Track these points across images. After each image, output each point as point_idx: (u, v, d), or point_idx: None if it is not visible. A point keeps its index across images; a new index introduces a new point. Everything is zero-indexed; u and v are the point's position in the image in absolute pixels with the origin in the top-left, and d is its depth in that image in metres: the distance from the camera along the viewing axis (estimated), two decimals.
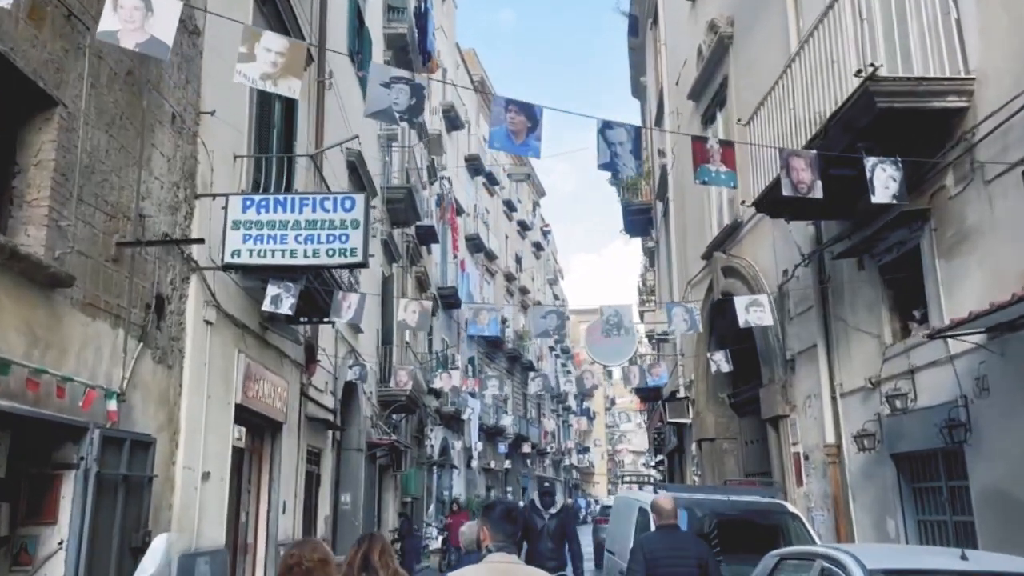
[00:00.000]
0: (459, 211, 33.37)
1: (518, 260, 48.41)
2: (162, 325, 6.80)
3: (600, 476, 79.03)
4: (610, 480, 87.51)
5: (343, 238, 7.32)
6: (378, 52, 17.53)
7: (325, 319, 10.43)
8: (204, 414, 7.49)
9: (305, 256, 7.34)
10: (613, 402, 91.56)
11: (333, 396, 13.23)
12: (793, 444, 9.64)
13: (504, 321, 41.36)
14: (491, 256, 40.59)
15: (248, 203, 7.40)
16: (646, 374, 11.39)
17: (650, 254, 36.34)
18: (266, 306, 7.35)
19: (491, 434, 36.50)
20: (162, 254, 6.84)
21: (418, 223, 23.94)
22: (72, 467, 5.28)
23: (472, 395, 32.16)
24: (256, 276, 7.94)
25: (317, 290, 8.79)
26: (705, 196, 13.21)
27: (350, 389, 15.19)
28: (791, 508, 7.59)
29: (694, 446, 14.27)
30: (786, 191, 6.08)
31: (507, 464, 38.80)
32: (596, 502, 59.60)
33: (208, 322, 7.65)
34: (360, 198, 7.48)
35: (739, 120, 10.06)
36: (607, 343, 15.54)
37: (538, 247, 54.23)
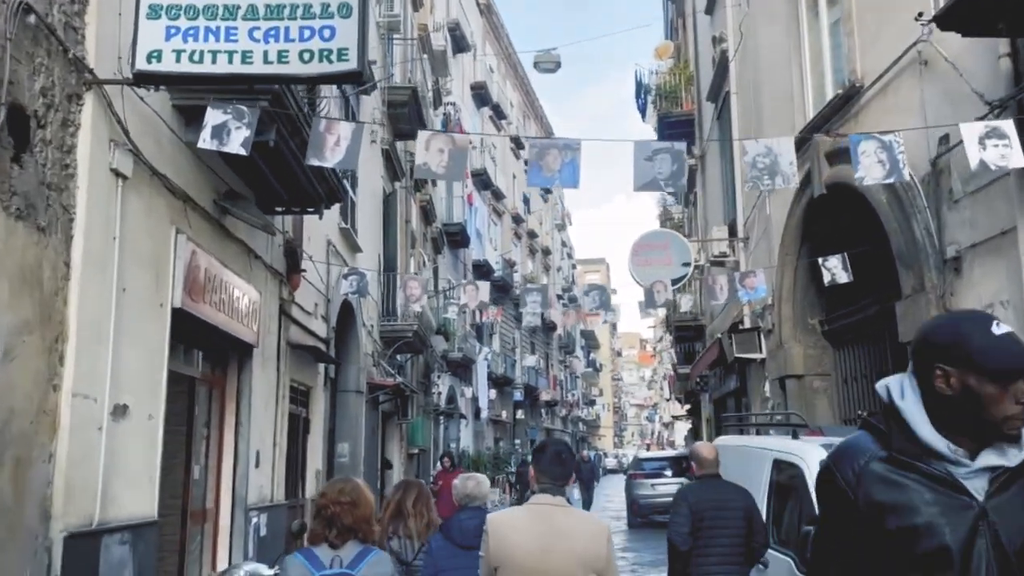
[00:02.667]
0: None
1: (526, 201, 45.55)
2: (24, 160, 4.06)
3: (606, 429, 77.28)
4: (616, 433, 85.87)
5: (326, 32, 4.54)
6: None
7: (309, 209, 7.70)
8: (114, 315, 4.80)
9: (267, 61, 4.56)
10: (619, 354, 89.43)
11: (325, 323, 10.57)
12: None
13: (512, 265, 38.76)
14: (499, 195, 37.72)
15: None
16: (736, 285, 8.67)
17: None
18: (204, 141, 4.59)
19: (499, 384, 34.05)
20: (25, 40, 4.07)
21: None
22: None
23: (479, 333, 29.59)
24: (191, 95, 5.18)
25: (292, 150, 6.03)
26: (796, 69, 10.36)
27: (347, 317, 12.52)
28: None
29: (767, 386, 11.67)
30: None
31: (519, 414, 36.43)
32: (605, 455, 57.73)
33: (119, 174, 4.91)
34: None
35: None
36: (653, 261, 12.87)
37: (546, 189, 51.31)
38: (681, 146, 5.34)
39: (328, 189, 7.51)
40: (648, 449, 40.66)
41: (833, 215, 9.67)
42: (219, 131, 4.56)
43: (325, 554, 2.91)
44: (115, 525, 4.73)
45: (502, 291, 37.56)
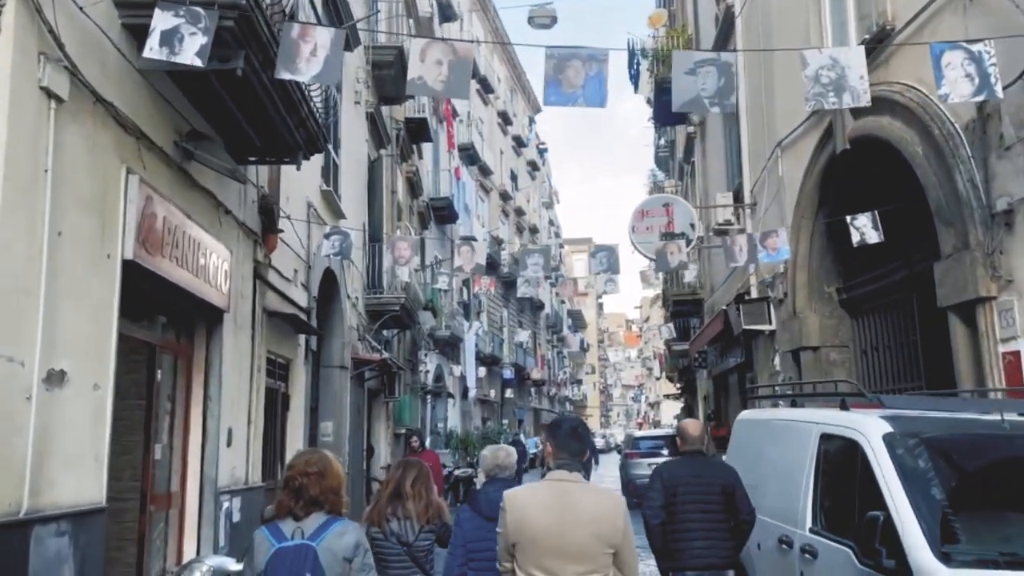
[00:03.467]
0: (453, 114, 29.55)
1: (513, 178, 44.74)
2: None
3: (593, 409, 76.84)
4: (602, 413, 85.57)
5: None
6: None
7: (286, 159, 6.89)
8: (46, 262, 4.00)
9: None
10: (606, 334, 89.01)
11: (306, 291, 9.77)
12: (1005, 340, 6.32)
13: (500, 243, 37.96)
14: (486, 171, 36.85)
15: None
16: (757, 249, 7.93)
17: (664, 164, 32.75)
18: (152, 50, 3.77)
19: (487, 363, 33.33)
20: None
21: (408, 117, 20.23)
22: None
23: (467, 311, 28.88)
24: (141, 12, 4.37)
25: (264, 85, 5.22)
26: (814, 18, 9.58)
27: (330, 288, 11.73)
28: None
29: (777, 359, 11.01)
30: None
31: (509, 393, 35.80)
32: (593, 435, 57.07)
33: (52, 94, 4.08)
34: None
35: None
36: (656, 227, 12.14)
37: (534, 166, 50.45)
38: (729, 56, 4.64)
39: (307, 136, 6.68)
40: (640, 428, 40.02)
41: (857, 173, 8.97)
42: (169, 38, 3.74)
43: (288, 526, 2.87)
44: (50, 513, 3.96)
45: (490, 268, 36.76)
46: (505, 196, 41.40)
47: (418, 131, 21.09)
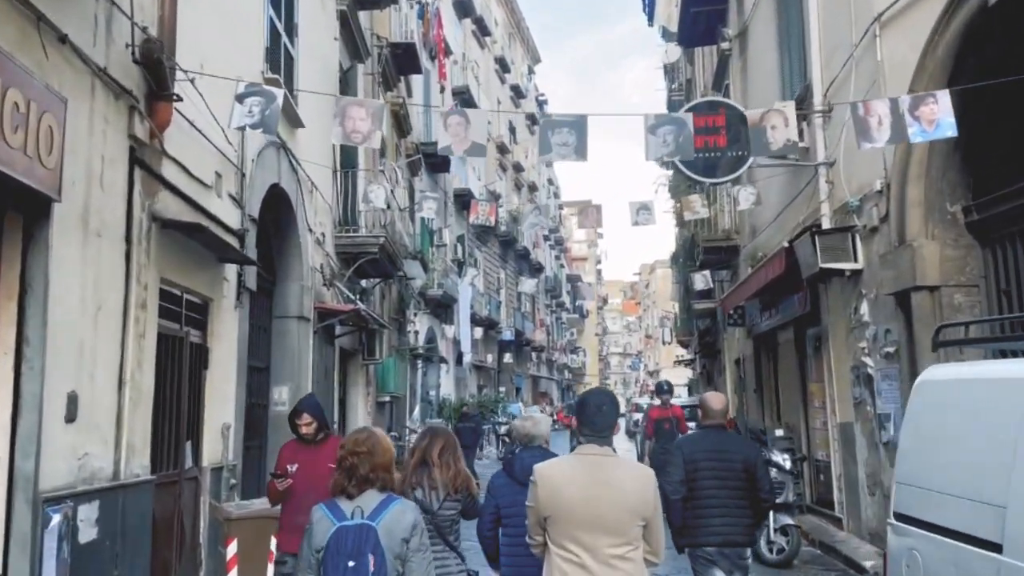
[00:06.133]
0: (447, 50, 26.65)
1: (512, 131, 41.89)
2: None
3: (592, 377, 74.50)
4: (600, 381, 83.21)
5: None
6: None
7: None
8: None
9: None
10: (605, 301, 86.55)
11: (238, 207, 7.11)
12: None
13: (497, 198, 35.23)
14: None
15: None
16: (906, 121, 5.28)
17: (676, 109, 29.77)
18: None
19: (484, 326, 30.76)
20: None
21: (393, 41, 17.43)
22: None
23: (461, 270, 26.24)
24: None
25: None
26: None
27: (282, 214, 9.10)
28: None
29: (865, 307, 8.43)
30: None
31: (507, 358, 33.32)
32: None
33: None
34: None
35: None
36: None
37: (533, 120, 47.49)
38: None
39: None
40: (652, 397, 37.43)
41: (1007, 39, 6.33)
42: None
43: (347, 504, 2.89)
44: None
45: (486, 228, 34.13)
46: (503, 149, 38.61)
47: (406, 60, 18.26)
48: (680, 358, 30.76)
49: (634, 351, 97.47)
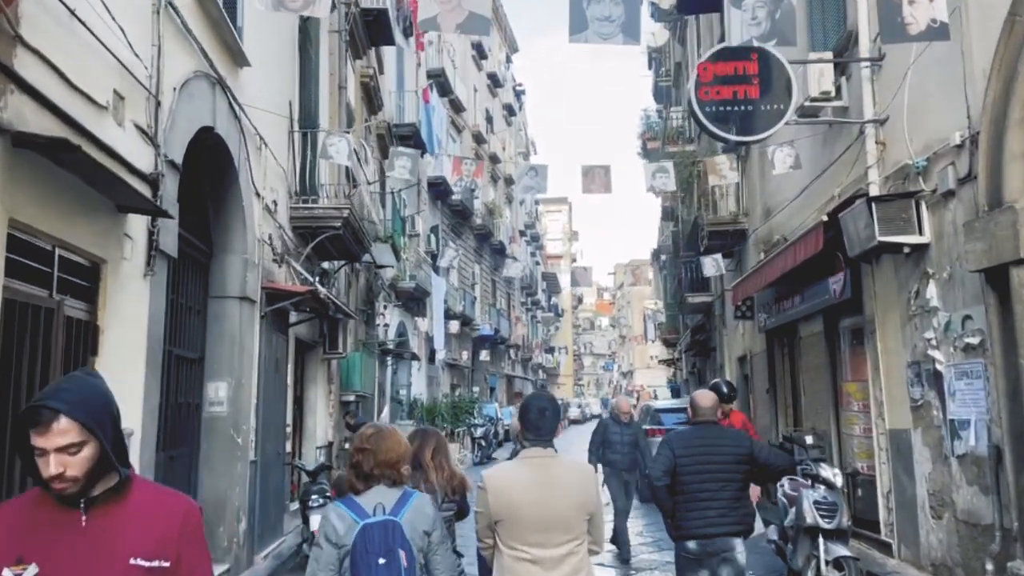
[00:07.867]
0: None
1: (488, 119, 40.27)
2: None
3: (566, 377, 73.10)
4: (575, 381, 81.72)
5: None
6: None
7: None
8: None
9: None
10: (580, 300, 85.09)
11: (150, 144, 5.40)
12: None
13: (473, 189, 33.59)
14: (458, 106, 32.32)
15: None
16: None
17: (665, 95, 28.20)
18: None
19: (459, 321, 29.08)
20: None
21: (363, 6, 15.70)
22: None
23: (435, 262, 24.61)
24: None
25: None
26: None
27: (221, 171, 7.38)
28: None
29: (932, 288, 6.94)
30: None
31: (483, 355, 31.67)
32: (568, 404, 52.49)
33: None
34: None
35: None
36: (726, 92, 7.92)
37: (510, 111, 46.00)
38: None
39: None
40: (637, 397, 35.77)
41: None
42: None
43: (367, 501, 2.84)
44: None
45: (461, 217, 32.44)
46: (479, 139, 36.98)
47: (377, 28, 16.54)
48: (655, 357, 29.29)
49: (607, 352, 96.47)
